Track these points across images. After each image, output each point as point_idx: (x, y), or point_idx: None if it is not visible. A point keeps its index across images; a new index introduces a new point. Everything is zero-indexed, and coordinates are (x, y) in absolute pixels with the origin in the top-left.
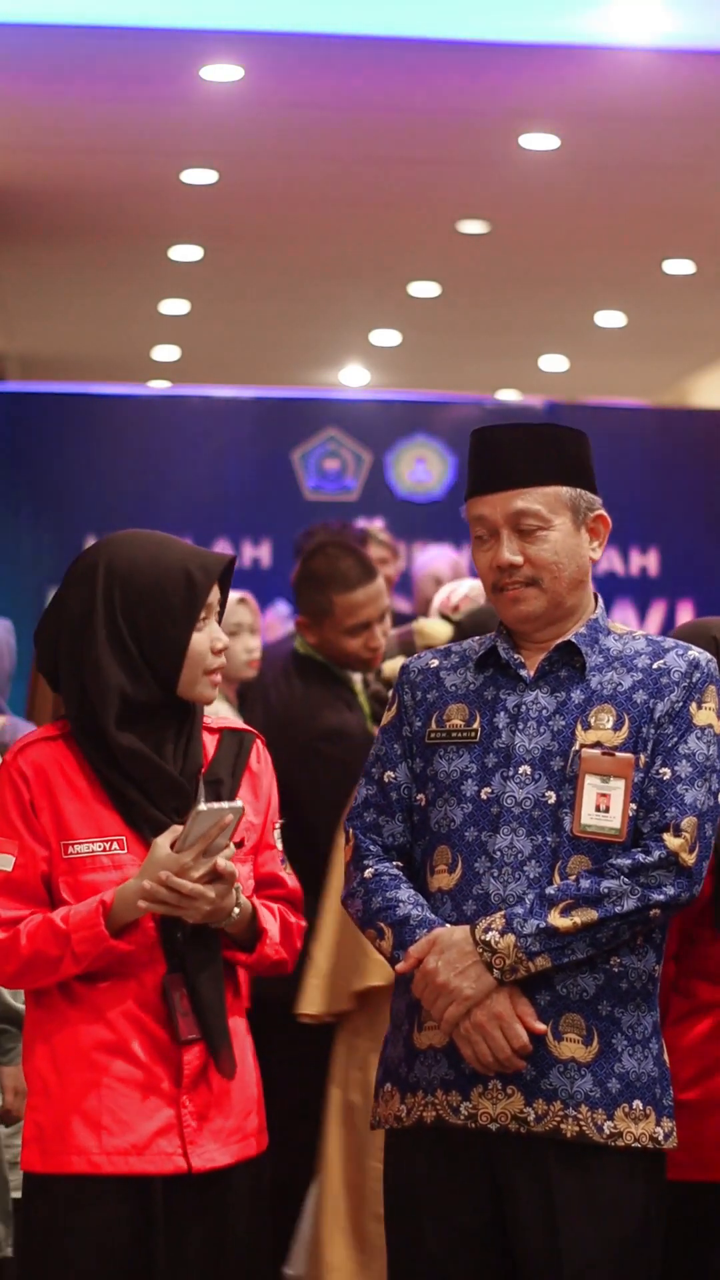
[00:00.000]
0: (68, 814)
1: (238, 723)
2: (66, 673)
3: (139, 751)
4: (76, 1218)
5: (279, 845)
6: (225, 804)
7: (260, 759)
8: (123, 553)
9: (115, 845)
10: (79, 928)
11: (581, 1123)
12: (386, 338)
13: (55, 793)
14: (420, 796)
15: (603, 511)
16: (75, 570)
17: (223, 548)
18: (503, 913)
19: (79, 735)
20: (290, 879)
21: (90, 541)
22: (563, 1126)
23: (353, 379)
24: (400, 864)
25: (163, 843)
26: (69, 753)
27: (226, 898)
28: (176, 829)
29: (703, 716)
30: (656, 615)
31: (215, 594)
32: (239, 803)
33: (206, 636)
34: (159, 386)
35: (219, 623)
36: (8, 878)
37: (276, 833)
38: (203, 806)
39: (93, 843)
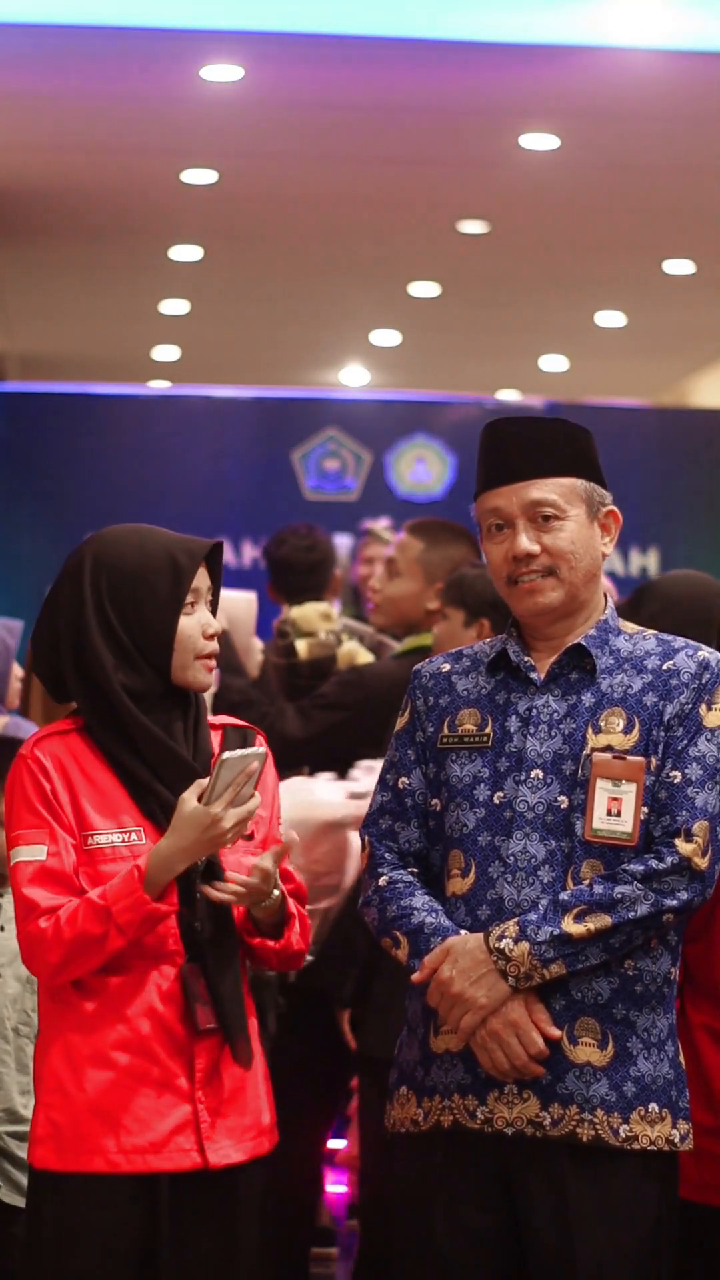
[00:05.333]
0: (86, 806)
1: (237, 719)
2: (69, 668)
3: (154, 735)
4: (88, 1217)
5: (284, 840)
6: (250, 750)
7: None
8: (108, 544)
9: (134, 836)
10: (118, 898)
11: (597, 1126)
12: (386, 338)
13: (74, 784)
14: (435, 802)
15: (614, 507)
16: (64, 568)
17: None
18: (516, 920)
19: (96, 727)
20: (297, 874)
21: None
22: (578, 1130)
23: (353, 379)
24: (416, 870)
25: (189, 797)
26: (84, 746)
27: (269, 880)
28: (201, 783)
29: (713, 718)
30: None
31: (205, 580)
32: (262, 748)
33: (196, 622)
34: (159, 386)
35: (214, 612)
36: (44, 867)
37: (282, 828)
38: (227, 755)
39: (112, 834)
